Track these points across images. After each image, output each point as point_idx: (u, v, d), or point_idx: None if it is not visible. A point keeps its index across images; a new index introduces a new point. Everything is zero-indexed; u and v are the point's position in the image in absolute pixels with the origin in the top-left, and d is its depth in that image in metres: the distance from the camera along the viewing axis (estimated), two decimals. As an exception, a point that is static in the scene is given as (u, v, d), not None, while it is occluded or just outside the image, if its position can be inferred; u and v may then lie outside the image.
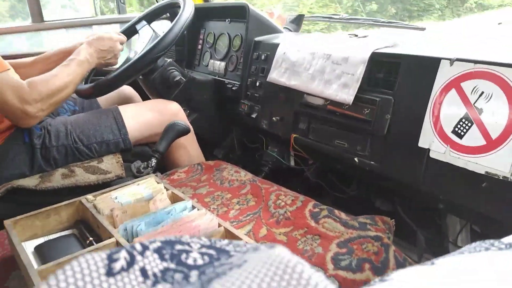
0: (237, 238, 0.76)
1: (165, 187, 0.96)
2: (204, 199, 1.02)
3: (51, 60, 1.32)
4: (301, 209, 0.92)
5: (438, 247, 1.04)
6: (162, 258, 0.29)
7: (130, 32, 1.46)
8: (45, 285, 0.24)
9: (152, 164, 1.10)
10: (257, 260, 0.26)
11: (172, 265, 0.29)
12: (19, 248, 0.77)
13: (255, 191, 1.02)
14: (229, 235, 0.78)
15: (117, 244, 0.76)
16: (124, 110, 1.24)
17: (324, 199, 0.99)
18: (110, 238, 0.78)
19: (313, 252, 0.78)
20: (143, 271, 0.27)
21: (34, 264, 0.77)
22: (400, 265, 0.75)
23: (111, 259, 0.27)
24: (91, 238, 0.84)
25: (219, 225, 0.80)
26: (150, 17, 1.45)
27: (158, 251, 0.29)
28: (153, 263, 0.28)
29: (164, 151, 1.14)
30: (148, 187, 0.96)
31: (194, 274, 0.28)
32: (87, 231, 0.88)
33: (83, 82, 1.38)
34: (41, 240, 0.87)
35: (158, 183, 0.98)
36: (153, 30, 1.39)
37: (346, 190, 1.27)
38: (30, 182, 1.06)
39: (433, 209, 1.02)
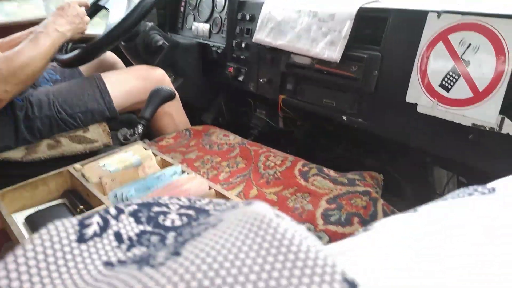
0: (227, 199, 0.76)
1: (153, 153, 0.95)
2: (193, 164, 1.02)
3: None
4: (290, 168, 0.93)
5: (426, 200, 1.06)
6: (138, 221, 0.28)
7: (95, 10, 1.39)
8: (11, 256, 0.23)
9: (139, 131, 1.09)
10: (233, 218, 0.25)
11: (149, 228, 0.28)
12: (8, 219, 0.76)
13: (244, 154, 1.02)
14: (220, 197, 0.79)
15: (108, 210, 0.76)
16: (107, 77, 1.21)
17: (313, 159, 0.99)
18: (100, 205, 0.78)
19: (303, 209, 0.79)
20: (118, 235, 0.27)
21: (25, 234, 0.77)
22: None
23: (82, 225, 0.26)
24: (81, 207, 0.84)
25: (210, 188, 0.80)
26: None
27: (134, 214, 0.28)
28: (129, 227, 0.27)
29: (150, 117, 1.12)
30: (136, 153, 0.95)
31: (171, 236, 0.27)
32: (77, 200, 0.87)
33: (63, 51, 1.34)
34: (31, 211, 0.87)
35: (146, 149, 0.97)
36: None
37: (335, 149, 1.28)
38: (16, 154, 1.05)
39: (420, 163, 1.03)
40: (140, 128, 1.09)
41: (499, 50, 0.75)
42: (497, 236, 0.28)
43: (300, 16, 1.12)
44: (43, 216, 0.85)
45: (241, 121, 1.55)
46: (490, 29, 0.76)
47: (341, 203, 0.78)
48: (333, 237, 0.71)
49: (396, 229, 0.29)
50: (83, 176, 0.89)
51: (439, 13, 0.83)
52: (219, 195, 0.79)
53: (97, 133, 1.14)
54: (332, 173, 0.88)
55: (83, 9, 1.19)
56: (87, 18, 1.19)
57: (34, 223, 0.82)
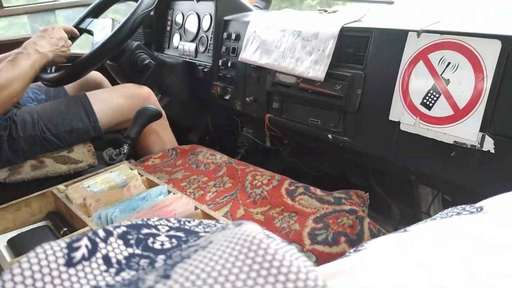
0: (214, 220, 0.75)
1: (139, 173, 0.95)
2: (180, 184, 1.01)
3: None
4: (277, 188, 0.93)
5: (412, 218, 1.07)
6: (127, 243, 0.28)
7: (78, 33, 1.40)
8: None
9: (124, 151, 1.08)
10: (223, 239, 0.25)
11: (138, 251, 0.27)
12: (-11, 243, 0.74)
13: (231, 173, 1.02)
14: (206, 217, 0.78)
15: (92, 233, 0.75)
16: (93, 96, 1.20)
17: (300, 177, 1.00)
18: (84, 227, 0.77)
19: (290, 229, 0.79)
20: (106, 259, 0.26)
21: (7, 257, 0.75)
22: (375, 236, 0.76)
23: (71, 248, 0.26)
24: (65, 229, 0.82)
25: (196, 208, 0.80)
26: (96, 12, 1.40)
27: (123, 236, 0.28)
28: (117, 250, 0.27)
29: (136, 137, 1.11)
30: (122, 174, 0.94)
31: (160, 258, 0.27)
32: (61, 222, 0.86)
33: (49, 71, 1.33)
34: (13, 233, 0.85)
35: (132, 169, 0.96)
36: (111, 18, 1.34)
37: (321, 167, 1.28)
38: (-2, 175, 1.03)
39: (405, 181, 1.04)
40: (126, 148, 1.09)
41: (477, 68, 0.77)
42: (486, 248, 0.28)
43: (284, 35, 1.14)
44: (26, 239, 0.83)
45: (228, 140, 1.55)
46: (468, 48, 0.78)
47: (327, 222, 0.78)
48: (320, 257, 0.71)
49: (386, 249, 0.29)
50: (67, 197, 0.88)
51: (418, 33, 0.85)
52: (205, 215, 0.78)
53: (82, 153, 1.13)
54: (318, 192, 0.89)
55: (65, 34, 1.19)
56: (70, 42, 1.19)
57: (17, 246, 0.80)
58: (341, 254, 0.73)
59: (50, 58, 1.10)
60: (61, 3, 1.99)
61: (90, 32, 1.35)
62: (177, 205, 0.79)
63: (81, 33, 1.39)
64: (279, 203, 0.88)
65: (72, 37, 1.32)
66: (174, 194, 0.85)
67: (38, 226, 0.87)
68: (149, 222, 0.30)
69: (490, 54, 0.75)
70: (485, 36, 0.75)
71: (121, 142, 1.19)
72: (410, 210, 1.08)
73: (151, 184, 0.92)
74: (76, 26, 1.38)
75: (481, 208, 0.37)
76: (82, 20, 1.39)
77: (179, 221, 0.32)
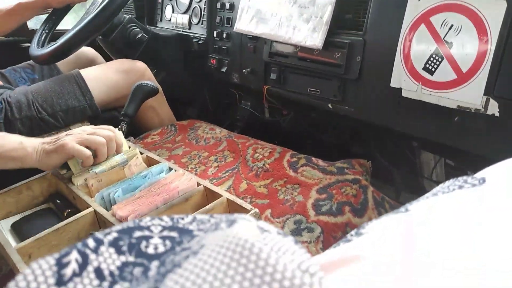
0: (217, 195, 0.75)
1: (139, 151, 0.94)
2: (181, 160, 1.00)
3: (12, 15, 1.24)
4: (279, 160, 0.92)
5: (414, 183, 1.08)
6: (119, 251, 0.26)
7: None
8: None
9: (123, 129, 1.07)
10: (214, 244, 0.24)
11: (131, 258, 0.26)
12: (-7, 227, 0.74)
13: (232, 147, 1.01)
14: (209, 193, 0.78)
15: (96, 213, 0.75)
16: (87, 73, 1.18)
17: (301, 148, 0.99)
18: (87, 208, 0.76)
19: (294, 200, 0.79)
20: (98, 272, 0.25)
21: (12, 242, 0.75)
22: (379, 204, 0.77)
23: (60, 264, 0.24)
24: (68, 210, 0.82)
25: (198, 184, 0.79)
26: None
27: (114, 243, 0.26)
28: (109, 260, 0.26)
29: (134, 114, 1.10)
30: (122, 152, 0.93)
31: (154, 266, 0.26)
32: (63, 203, 0.86)
33: (38, 46, 1.30)
34: (16, 218, 0.85)
35: (131, 148, 0.95)
36: None
37: (322, 137, 1.27)
38: (-3, 159, 1.02)
39: (407, 147, 1.04)
40: (123, 126, 1.07)
41: (481, 30, 0.75)
42: (489, 228, 0.27)
43: (280, 3, 1.10)
44: (29, 222, 0.83)
45: (227, 113, 1.53)
46: (471, 9, 0.76)
47: (331, 192, 0.78)
48: (325, 228, 0.71)
49: (389, 234, 0.28)
50: (68, 178, 0.87)
51: (420, -5, 0.82)
52: (208, 191, 0.78)
53: (80, 133, 1.12)
54: (320, 162, 0.88)
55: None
56: None
57: (21, 230, 0.80)
58: (346, 224, 0.73)
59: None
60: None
61: None
62: (179, 182, 0.78)
63: None
64: (282, 175, 0.87)
65: None
66: (175, 171, 0.84)
67: (41, 209, 0.87)
68: (141, 224, 0.29)
69: (494, 15, 0.72)
70: (489, -4, 0.73)
71: (118, 119, 1.18)
72: (413, 176, 1.08)
73: (152, 162, 0.91)
74: None
75: (483, 180, 0.36)
76: None
77: (172, 219, 0.30)
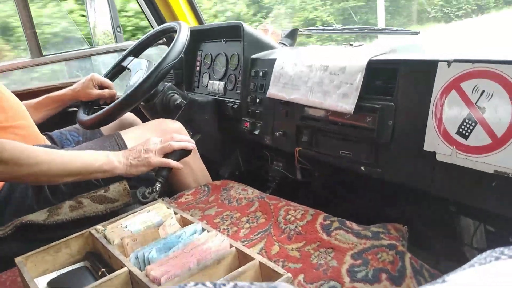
0: (249, 257, 0.75)
1: (174, 211, 0.96)
2: (213, 220, 1.01)
3: (38, 107, 1.35)
4: (311, 222, 0.91)
5: (454, 250, 1.03)
6: None
7: (117, 71, 1.48)
8: None
9: (157, 189, 1.10)
10: None
11: None
12: (32, 285, 0.76)
13: (264, 208, 1.02)
14: (241, 255, 0.77)
15: (130, 273, 0.76)
16: (126, 134, 1.25)
17: (334, 210, 0.98)
18: (122, 268, 0.77)
19: (328, 265, 0.77)
20: None
21: (48, 300, 0.77)
22: (417, 272, 0.73)
23: None
24: (103, 269, 0.83)
25: (231, 246, 0.79)
26: (136, 51, 1.48)
27: None
28: None
29: (167, 175, 1.13)
30: (158, 212, 0.96)
31: None
32: (99, 262, 0.87)
33: (85, 112, 1.40)
34: (53, 275, 0.87)
35: (167, 208, 0.98)
36: (147, 60, 1.40)
37: (355, 200, 1.26)
38: (39, 216, 1.06)
39: (445, 212, 1.01)
40: (158, 186, 1.10)
41: (514, 95, 0.75)
42: None
43: (311, 70, 1.15)
44: (65, 281, 0.84)
45: (259, 174, 1.55)
46: (501, 75, 0.77)
47: (367, 258, 0.76)
48: (361, 295, 0.68)
49: None
50: (105, 237, 0.89)
51: (449, 63, 0.85)
52: (240, 253, 0.78)
53: (118, 192, 1.16)
54: (354, 226, 0.87)
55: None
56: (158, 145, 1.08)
57: (56, 288, 0.81)
58: (383, 292, 0.70)
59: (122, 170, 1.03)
60: (97, 49, 2.10)
61: (129, 70, 1.43)
62: (211, 243, 0.79)
63: (122, 71, 1.47)
64: (315, 238, 0.86)
65: (115, 74, 1.46)
66: (208, 231, 0.85)
67: (77, 267, 0.89)
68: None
69: (526, 80, 0.73)
70: (518, 63, 0.74)
71: (153, 179, 1.22)
72: (452, 242, 1.03)
73: (185, 222, 0.93)
74: (119, 63, 1.46)
75: None
76: (124, 58, 1.47)
77: (214, 285, 0.31)
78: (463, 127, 0.82)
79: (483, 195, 0.79)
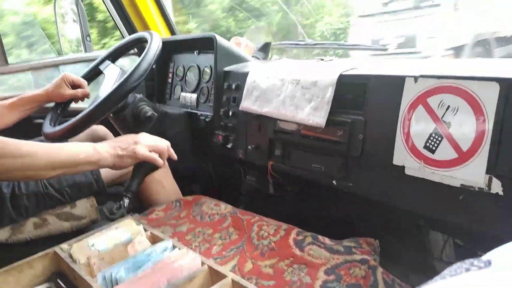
0: (221, 275, 0.73)
1: (144, 228, 0.93)
2: (185, 237, 0.99)
3: (13, 108, 1.29)
4: (284, 238, 0.91)
5: (424, 264, 1.04)
6: None
7: (95, 73, 1.44)
8: None
9: (125, 205, 1.06)
10: None
11: None
12: (-10, 310, 0.72)
13: (236, 224, 1.00)
14: (213, 273, 0.76)
15: (96, 295, 0.73)
16: None
17: (306, 224, 0.98)
18: (88, 289, 0.74)
19: (301, 282, 0.77)
20: None
21: (8, 326, 0.73)
22: (389, 287, 0.74)
23: None
24: (68, 291, 0.80)
25: (203, 263, 0.78)
26: (114, 56, 1.44)
27: None
28: None
29: (136, 190, 1.10)
30: (126, 230, 0.93)
31: None
32: (64, 283, 0.83)
33: (51, 124, 1.35)
34: (14, 298, 0.82)
35: (137, 224, 0.95)
36: (120, 68, 1.37)
37: (327, 213, 1.26)
38: (1, 235, 1.01)
39: (414, 226, 1.02)
40: (126, 202, 1.06)
41: (478, 111, 0.78)
42: None
43: (283, 84, 1.16)
44: (27, 304, 0.80)
45: (232, 188, 1.54)
46: (466, 91, 0.79)
47: (339, 273, 0.76)
48: (334, 312, 0.68)
49: None
50: (71, 256, 0.86)
51: (416, 78, 0.87)
52: (212, 271, 0.76)
53: (85, 208, 1.12)
54: (327, 241, 0.87)
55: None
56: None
57: (17, 313, 0.77)
58: (356, 308, 0.70)
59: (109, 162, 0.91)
60: (65, 59, 2.05)
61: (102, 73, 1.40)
62: (183, 261, 0.77)
63: (98, 74, 1.43)
64: (288, 254, 0.85)
65: (91, 77, 1.40)
66: (179, 249, 0.83)
67: (41, 289, 0.85)
68: None
69: (489, 96, 0.76)
70: (482, 79, 0.77)
71: (122, 194, 1.18)
72: (422, 256, 1.05)
73: (156, 239, 0.90)
74: (97, 65, 1.42)
75: (489, 262, 0.36)
76: (102, 61, 1.43)
77: None
78: (430, 141, 0.84)
79: (451, 209, 0.81)
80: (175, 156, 1.05)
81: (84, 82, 1.38)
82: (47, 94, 1.36)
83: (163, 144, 1.01)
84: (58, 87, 1.35)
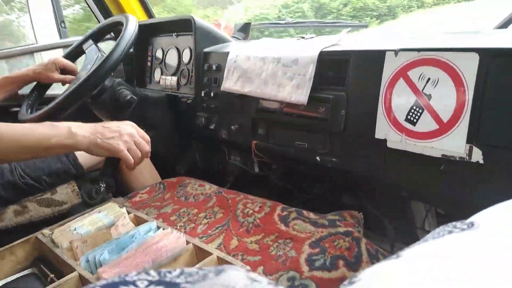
0: (207, 253, 0.73)
1: (127, 211, 0.92)
2: (169, 218, 0.98)
3: None
4: (269, 214, 0.91)
5: (407, 234, 1.06)
6: None
7: (77, 53, 1.41)
8: None
9: (101, 189, 1.03)
10: None
11: None
12: (-29, 297, 0.70)
13: (221, 203, 1.00)
14: (199, 252, 0.75)
15: (80, 278, 0.72)
16: None
17: (291, 201, 0.98)
18: (72, 272, 0.73)
19: (287, 256, 0.77)
20: None
21: (-10, 312, 0.71)
22: (373, 257, 0.75)
23: None
24: (51, 275, 0.79)
25: (187, 243, 0.77)
26: (96, 36, 1.41)
27: None
28: None
29: (110, 175, 1.07)
30: (109, 213, 0.91)
31: None
32: (47, 268, 0.82)
33: (28, 111, 1.31)
34: (-2, 285, 0.81)
35: (120, 207, 0.94)
36: (99, 50, 1.34)
37: (312, 190, 1.27)
38: (-21, 224, 0.99)
39: (397, 197, 1.04)
40: (102, 186, 1.04)
41: (458, 82, 0.78)
42: (478, 265, 0.27)
43: (264, 63, 1.15)
44: (11, 290, 0.79)
45: (216, 169, 1.53)
46: (446, 63, 0.80)
47: (324, 246, 0.77)
48: (320, 283, 0.69)
49: (382, 280, 0.28)
50: (53, 241, 0.84)
51: (396, 52, 0.87)
52: (197, 249, 0.76)
53: (66, 193, 1.10)
54: (312, 215, 0.87)
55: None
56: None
57: (1, 299, 0.76)
58: (341, 279, 0.71)
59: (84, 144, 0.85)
60: (40, 46, 1.98)
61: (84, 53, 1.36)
62: (167, 241, 0.76)
63: (81, 54, 1.39)
64: (273, 230, 0.86)
65: (74, 55, 1.35)
66: (163, 229, 0.82)
67: (24, 275, 0.83)
68: (127, 279, 0.27)
69: (468, 67, 0.76)
70: (461, 50, 0.77)
71: (105, 179, 1.16)
72: (405, 226, 1.07)
73: (140, 221, 0.89)
74: (80, 45, 1.38)
75: (472, 224, 0.36)
76: (85, 40, 1.39)
77: (159, 273, 0.29)
78: (411, 114, 0.84)
79: (433, 179, 0.82)
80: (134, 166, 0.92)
81: (75, 68, 1.34)
82: (33, 76, 1.32)
83: (144, 143, 0.93)
84: (48, 70, 1.31)
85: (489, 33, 0.93)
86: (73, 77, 1.32)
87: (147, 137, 0.95)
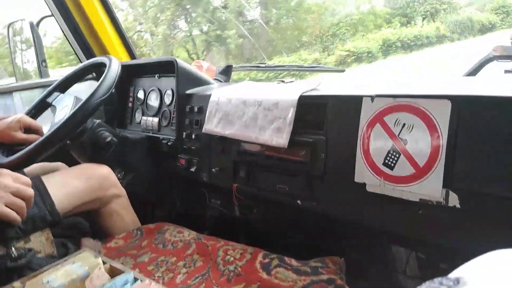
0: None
1: (102, 261, 0.89)
2: (147, 268, 0.95)
3: None
4: (251, 262, 0.89)
5: (389, 279, 1.05)
6: None
7: (41, 108, 1.39)
8: None
9: (14, 253, 0.89)
10: None
11: None
12: None
13: (201, 250, 0.98)
14: (177, 304, 0.73)
15: (50, 337, 0.68)
16: (48, 179, 1.14)
17: (273, 246, 0.97)
18: (41, 331, 0.69)
19: (268, 307, 0.75)
20: None
21: None
22: (356, 306, 0.74)
23: None
24: (19, 334, 0.74)
25: (166, 295, 0.75)
26: (63, 87, 1.40)
27: None
28: None
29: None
30: (84, 263, 0.88)
31: None
32: (15, 325, 0.77)
33: (4, 154, 1.28)
34: None
35: (95, 257, 0.90)
36: (74, 96, 1.32)
37: (293, 234, 1.26)
38: None
39: (378, 242, 1.04)
40: (13, 252, 0.90)
41: (432, 127, 0.80)
42: None
43: (246, 105, 1.16)
44: None
45: (196, 213, 1.51)
46: (420, 109, 0.82)
47: (306, 296, 0.75)
48: (302, 337, 0.67)
49: None
50: (23, 296, 0.80)
51: (372, 98, 0.89)
52: (176, 302, 0.73)
53: (40, 242, 1.05)
54: (294, 262, 0.86)
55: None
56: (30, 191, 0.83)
57: None
58: (324, 331, 0.69)
59: None
60: (19, 85, 1.97)
61: (54, 107, 1.33)
62: (145, 293, 0.74)
63: (47, 108, 1.36)
64: (255, 278, 0.84)
65: (38, 111, 1.33)
66: (141, 281, 0.79)
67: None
68: None
69: (441, 113, 0.79)
70: (435, 97, 0.80)
71: (81, 226, 1.13)
72: (387, 271, 1.06)
73: (116, 272, 0.86)
74: (44, 99, 1.36)
75: (458, 281, 0.36)
76: (49, 93, 1.37)
77: None
78: (388, 158, 0.86)
79: (412, 224, 0.83)
80: (19, 219, 0.81)
81: (40, 127, 1.30)
82: None
83: (24, 188, 0.81)
84: (10, 129, 1.26)
85: (459, 81, 0.97)
86: (37, 136, 1.26)
87: (26, 179, 0.83)
